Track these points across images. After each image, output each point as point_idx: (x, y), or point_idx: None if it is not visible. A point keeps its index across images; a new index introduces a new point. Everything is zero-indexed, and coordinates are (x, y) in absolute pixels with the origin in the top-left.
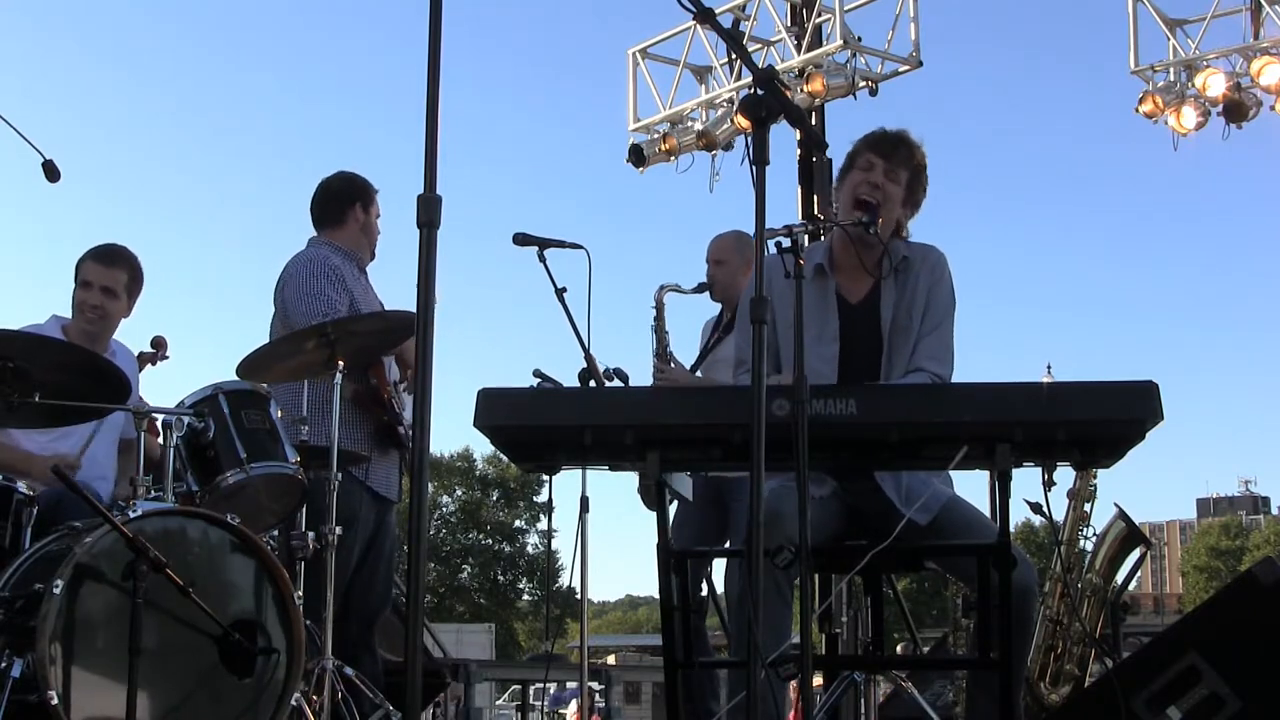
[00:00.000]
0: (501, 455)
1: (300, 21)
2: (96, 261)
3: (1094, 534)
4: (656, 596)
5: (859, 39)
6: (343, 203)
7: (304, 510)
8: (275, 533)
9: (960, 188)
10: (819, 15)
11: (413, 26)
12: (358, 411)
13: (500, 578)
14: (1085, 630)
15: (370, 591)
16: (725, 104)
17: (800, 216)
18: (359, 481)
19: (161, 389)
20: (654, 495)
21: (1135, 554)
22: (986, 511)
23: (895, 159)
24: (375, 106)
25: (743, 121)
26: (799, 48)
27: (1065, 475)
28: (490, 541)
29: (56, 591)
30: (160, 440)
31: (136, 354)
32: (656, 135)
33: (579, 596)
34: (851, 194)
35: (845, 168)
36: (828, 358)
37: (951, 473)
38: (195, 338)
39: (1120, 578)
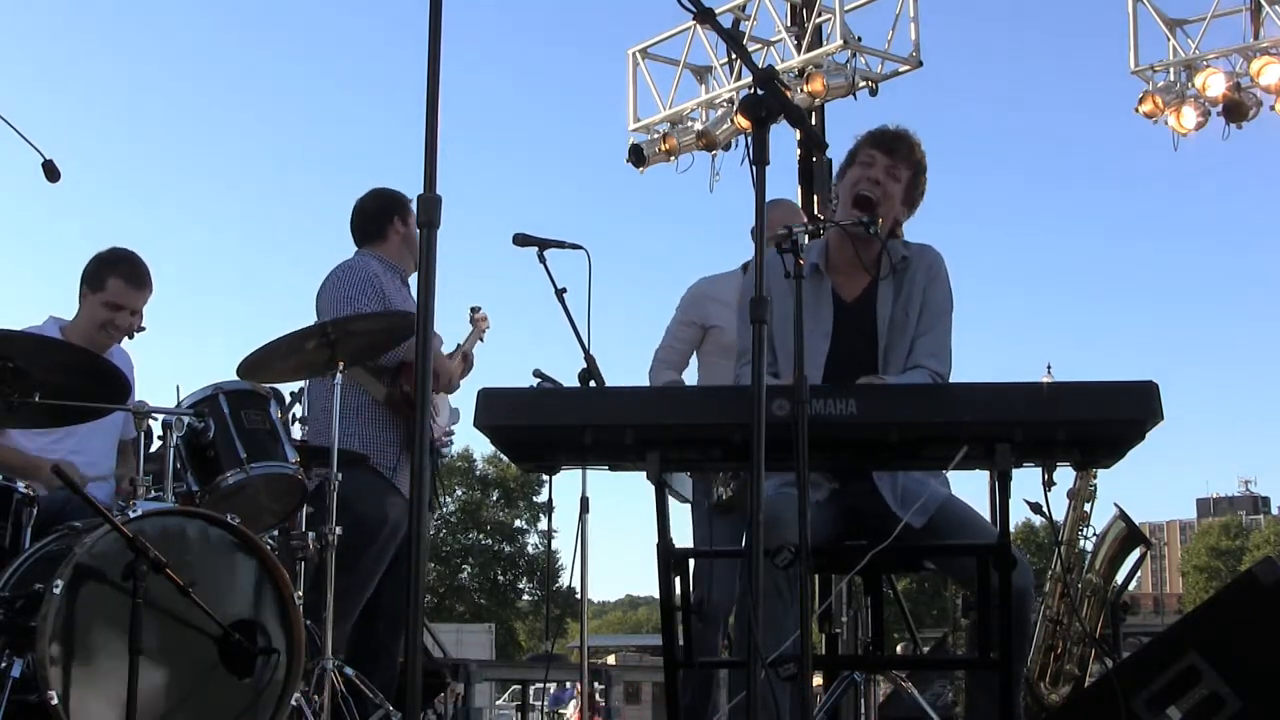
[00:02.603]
0: (501, 455)
1: (306, 21)
2: (128, 284)
3: (1094, 534)
4: (656, 596)
5: (859, 39)
6: (381, 219)
7: (303, 511)
8: (275, 533)
9: (960, 188)
10: (819, 15)
11: (414, 26)
12: (390, 415)
13: (500, 578)
14: (1085, 630)
15: (401, 593)
16: (725, 104)
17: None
18: (388, 482)
19: (162, 389)
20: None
21: (1135, 554)
22: (986, 511)
23: (897, 155)
24: (379, 105)
25: (743, 121)
26: (799, 48)
27: (1065, 475)
28: (490, 541)
29: (56, 591)
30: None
31: None
32: (656, 135)
33: (579, 596)
34: (851, 189)
35: (846, 163)
36: (816, 354)
37: (949, 473)
38: (195, 337)
39: (1120, 578)
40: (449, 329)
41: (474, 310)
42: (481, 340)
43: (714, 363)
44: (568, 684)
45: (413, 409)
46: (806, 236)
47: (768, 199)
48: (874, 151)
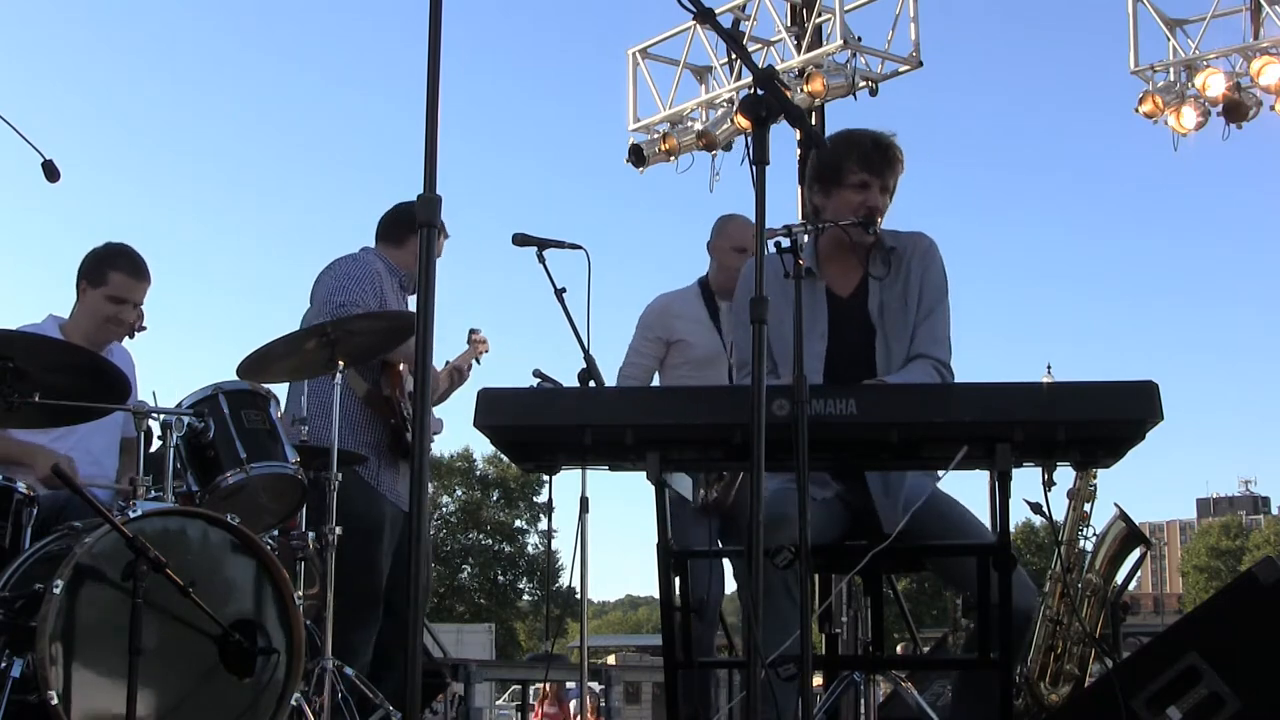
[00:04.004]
0: (501, 455)
1: (306, 21)
2: (130, 276)
3: (1094, 534)
4: (656, 596)
5: (859, 39)
6: (406, 227)
7: (303, 510)
8: (275, 533)
9: (960, 188)
10: (819, 15)
11: (415, 26)
12: (368, 413)
13: (500, 578)
14: (1085, 630)
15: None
16: (725, 104)
17: (800, 216)
18: (371, 486)
19: (162, 389)
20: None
21: (1135, 554)
22: (986, 511)
23: (886, 173)
24: (380, 105)
25: (743, 121)
26: (799, 48)
27: (1065, 475)
28: (490, 541)
29: (56, 591)
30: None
31: None
32: (656, 135)
33: (579, 596)
34: (850, 214)
35: (831, 175)
36: (815, 354)
37: (943, 473)
38: (195, 337)
39: (1120, 578)
40: (444, 338)
41: (473, 332)
42: (478, 362)
43: (682, 375)
44: (569, 684)
45: (390, 410)
46: (806, 237)
47: (721, 214)
48: (866, 176)
